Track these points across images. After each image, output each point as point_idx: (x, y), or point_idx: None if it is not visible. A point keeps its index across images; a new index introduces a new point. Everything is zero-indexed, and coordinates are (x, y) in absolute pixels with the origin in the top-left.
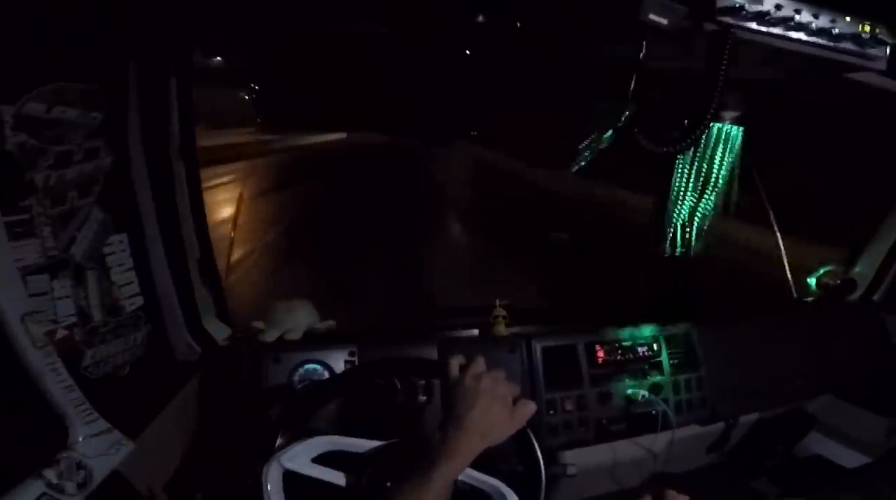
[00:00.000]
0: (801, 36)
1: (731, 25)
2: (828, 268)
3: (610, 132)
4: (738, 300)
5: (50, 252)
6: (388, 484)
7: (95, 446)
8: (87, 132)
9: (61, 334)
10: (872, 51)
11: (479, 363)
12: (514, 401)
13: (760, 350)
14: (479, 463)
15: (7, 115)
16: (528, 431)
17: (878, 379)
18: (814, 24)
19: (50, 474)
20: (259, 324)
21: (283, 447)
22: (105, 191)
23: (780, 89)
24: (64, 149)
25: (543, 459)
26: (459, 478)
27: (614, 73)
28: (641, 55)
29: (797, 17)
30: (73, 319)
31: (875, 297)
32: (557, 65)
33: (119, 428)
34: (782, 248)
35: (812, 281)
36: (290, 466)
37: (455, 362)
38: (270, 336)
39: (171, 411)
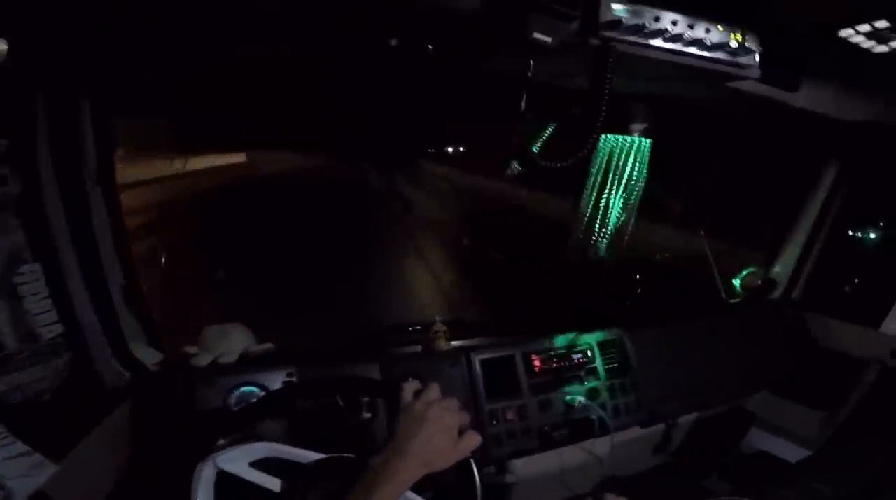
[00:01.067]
0: (678, 47)
1: (613, 39)
2: (750, 270)
3: (536, 143)
4: (668, 303)
5: None
6: None
7: (13, 468)
8: None
9: None
10: (743, 59)
11: (433, 391)
12: (461, 431)
13: (693, 351)
14: (422, 487)
15: None
16: (471, 461)
17: (806, 374)
18: (689, 35)
19: None
20: (191, 349)
21: (220, 449)
22: (14, 219)
23: (681, 100)
24: None
25: (488, 478)
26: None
27: (538, 88)
28: (529, 72)
29: (673, 28)
30: None
31: (794, 295)
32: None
33: (42, 452)
34: (708, 251)
35: (737, 282)
36: (226, 467)
37: (409, 388)
38: (203, 360)
39: (99, 435)
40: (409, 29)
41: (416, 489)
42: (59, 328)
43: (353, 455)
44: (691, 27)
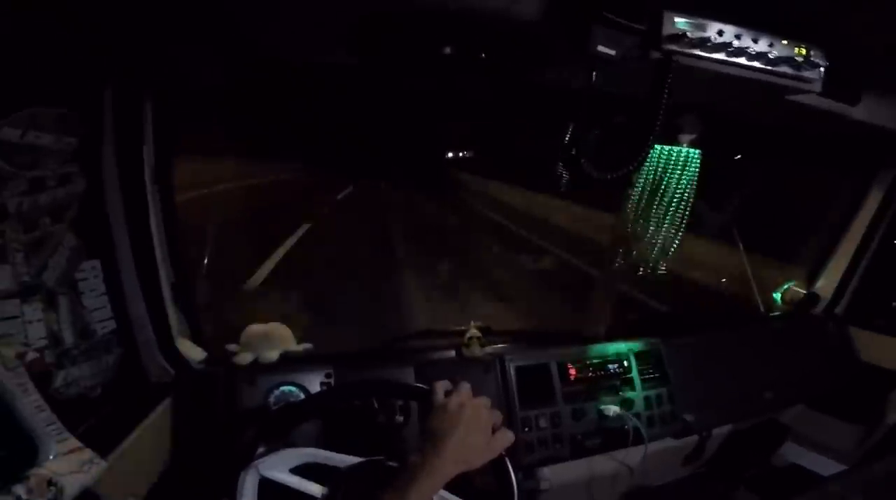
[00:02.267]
0: (742, 60)
1: (674, 52)
2: (791, 283)
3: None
4: (706, 316)
5: (21, 278)
6: None
7: (66, 464)
8: (61, 158)
9: (32, 356)
10: (808, 73)
11: (465, 390)
12: (494, 429)
13: (730, 363)
14: (454, 484)
15: None
16: (506, 459)
17: (845, 389)
18: (752, 49)
19: (20, 489)
20: (234, 347)
21: (261, 456)
22: (78, 217)
23: (734, 112)
24: (37, 174)
25: (518, 484)
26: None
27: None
28: (592, 83)
29: (737, 42)
30: (45, 342)
31: (837, 310)
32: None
33: (91, 447)
34: (747, 265)
35: (777, 296)
36: (268, 474)
37: (441, 387)
38: (245, 359)
39: (144, 432)
40: (464, 37)
41: (452, 489)
42: (112, 324)
43: (387, 458)
44: (755, 41)
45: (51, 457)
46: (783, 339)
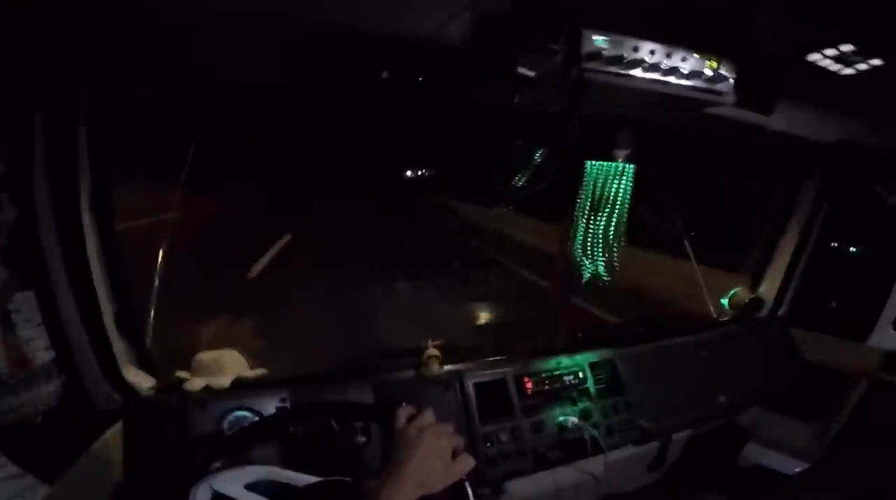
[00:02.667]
0: (657, 76)
1: (591, 70)
2: (737, 289)
3: (530, 171)
4: (659, 325)
5: None
6: None
7: (6, 489)
8: None
9: None
10: (720, 86)
11: (427, 416)
12: (455, 454)
13: (684, 370)
14: None
15: None
16: (466, 484)
17: (797, 388)
18: (666, 64)
19: None
20: (184, 374)
21: (216, 471)
22: (8, 247)
23: (663, 126)
24: None
25: (490, 488)
26: None
27: (525, 114)
28: (514, 102)
29: (651, 57)
30: None
31: (780, 312)
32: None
33: (34, 474)
34: (698, 273)
35: (725, 301)
36: (222, 489)
37: (403, 413)
38: (196, 385)
39: (91, 457)
40: (399, 61)
41: None
42: (50, 354)
43: (347, 479)
44: (668, 56)
45: None
46: (733, 343)
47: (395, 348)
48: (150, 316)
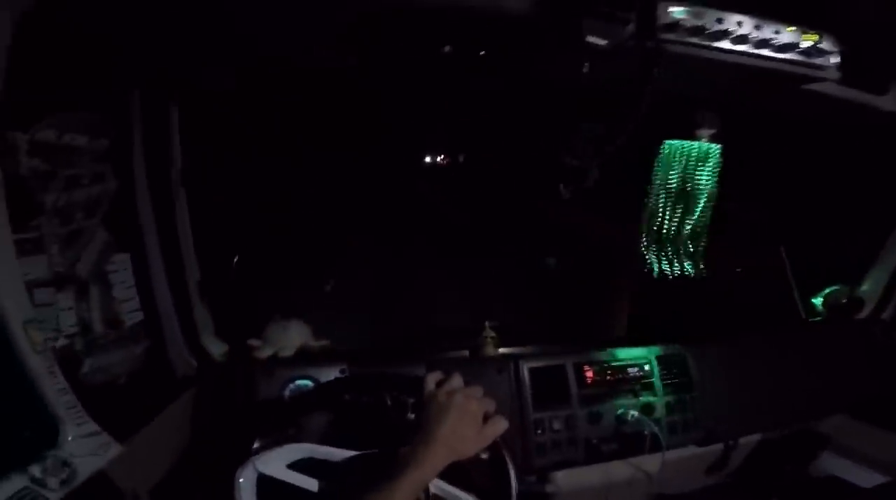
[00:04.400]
0: (746, 48)
1: (669, 41)
2: (834, 288)
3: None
4: (738, 320)
5: (56, 267)
6: (356, 492)
7: (83, 446)
8: (94, 157)
9: (62, 342)
10: (819, 60)
11: (456, 380)
12: (487, 417)
13: (763, 370)
14: (456, 478)
15: (21, 141)
16: (503, 450)
17: (892, 397)
18: (756, 36)
19: (35, 469)
20: (255, 341)
21: (259, 451)
22: (110, 213)
23: (754, 105)
24: (73, 173)
25: (529, 486)
26: (433, 492)
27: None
28: (584, 73)
29: (738, 29)
30: (75, 329)
31: (884, 315)
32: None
33: (110, 432)
34: (787, 266)
35: (818, 301)
36: (265, 470)
37: (432, 378)
38: (265, 353)
39: (163, 421)
40: (461, 35)
41: (452, 482)
42: (139, 316)
43: (382, 449)
44: (758, 28)
45: (69, 439)
46: (824, 345)
47: (452, 327)
48: (228, 284)
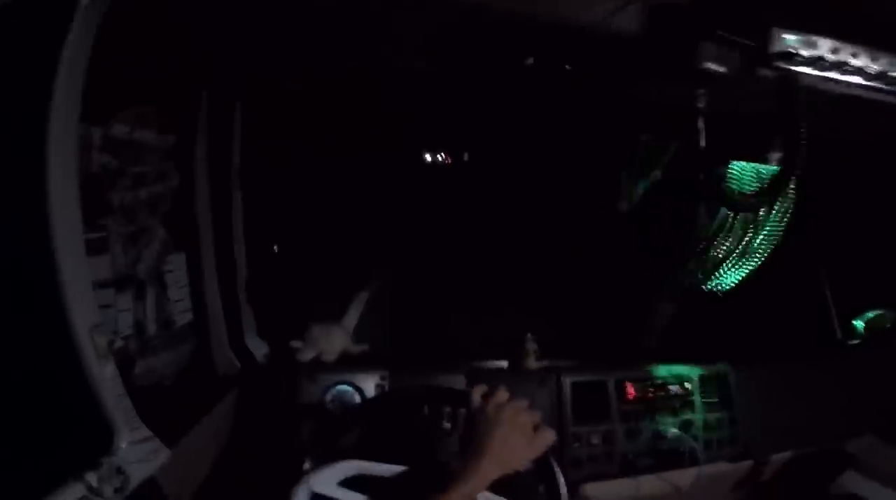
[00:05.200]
0: (859, 80)
1: (783, 70)
2: (877, 312)
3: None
4: (780, 341)
5: (118, 268)
6: None
7: (136, 452)
8: (160, 154)
9: (119, 344)
10: None
11: (502, 393)
12: (535, 428)
13: (800, 391)
14: (503, 490)
15: (96, 135)
16: (551, 460)
17: None
18: (871, 68)
19: (92, 477)
20: (297, 344)
21: (311, 469)
22: (170, 212)
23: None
24: (140, 170)
25: (567, 488)
26: None
27: (661, 110)
28: (699, 102)
29: (853, 60)
30: (131, 330)
31: None
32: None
33: (159, 436)
34: (827, 289)
35: (859, 324)
36: (319, 489)
37: (478, 391)
38: (307, 356)
39: (207, 423)
40: (546, 48)
41: (498, 491)
42: (189, 316)
43: (434, 464)
44: (874, 60)
45: (123, 445)
46: (862, 368)
47: (494, 337)
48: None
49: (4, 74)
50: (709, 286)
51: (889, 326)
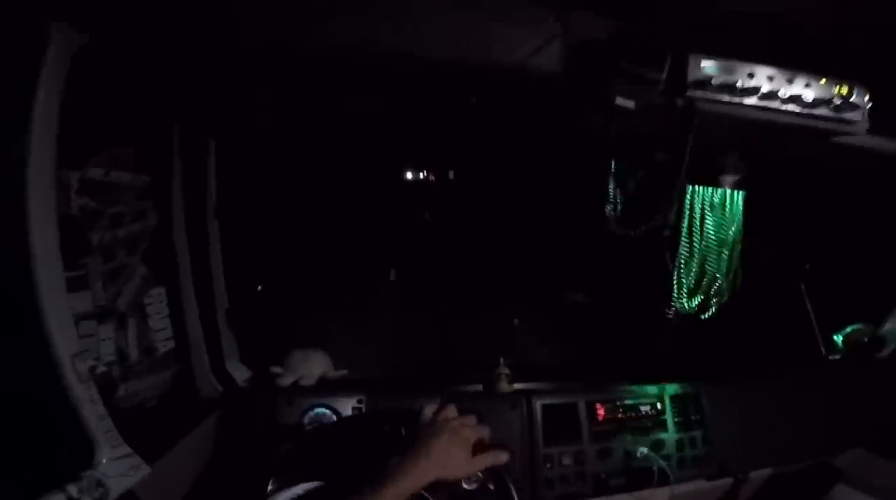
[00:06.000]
0: (775, 104)
1: (699, 99)
2: (855, 326)
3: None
4: (761, 357)
5: (99, 302)
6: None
7: (116, 467)
8: (136, 194)
9: (101, 370)
10: (850, 115)
11: (451, 409)
12: (482, 445)
13: (780, 407)
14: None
15: (73, 179)
16: (507, 481)
17: None
18: (786, 92)
19: (72, 489)
20: (277, 369)
21: (274, 490)
22: (149, 248)
23: (779, 153)
24: (117, 210)
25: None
26: None
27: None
28: (610, 131)
29: (769, 84)
30: (113, 357)
31: None
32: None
33: (140, 454)
34: (809, 306)
35: (838, 339)
36: None
37: (430, 408)
38: (286, 381)
39: (188, 443)
40: (490, 88)
41: None
42: (171, 344)
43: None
44: (790, 82)
45: (104, 461)
46: (844, 383)
47: (468, 361)
48: (253, 312)
49: None
50: (685, 308)
51: (867, 340)
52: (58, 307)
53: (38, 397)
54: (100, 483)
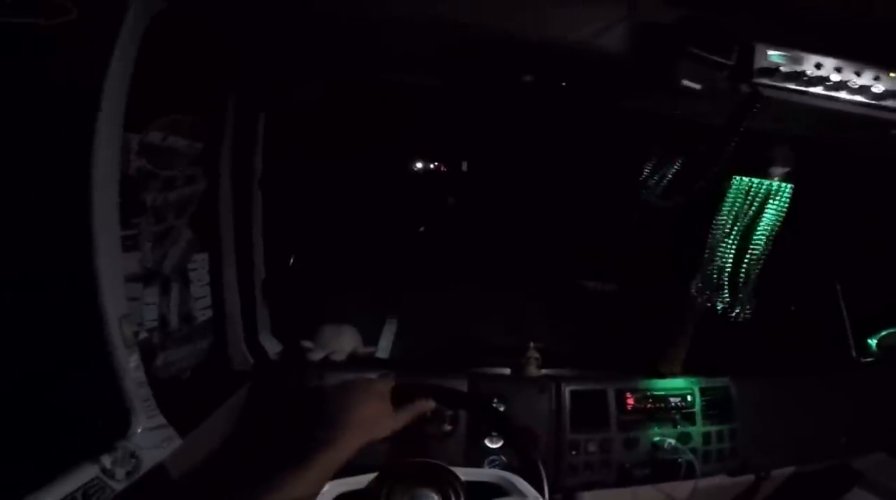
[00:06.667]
0: (843, 95)
1: (766, 86)
2: (891, 330)
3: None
4: (791, 356)
5: (146, 264)
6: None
7: (150, 439)
8: (189, 160)
9: (143, 335)
10: None
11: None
12: (403, 395)
13: (808, 407)
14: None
15: (134, 142)
16: (538, 462)
17: None
18: (854, 82)
19: (106, 460)
20: (308, 343)
21: None
22: (196, 213)
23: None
24: (170, 174)
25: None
26: (465, 479)
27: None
28: (675, 113)
29: (836, 75)
30: (155, 323)
31: None
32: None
33: (173, 425)
34: (843, 305)
35: (872, 342)
36: None
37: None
38: (317, 355)
39: (220, 415)
40: (547, 66)
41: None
42: (209, 313)
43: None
44: (858, 74)
45: (138, 431)
46: (874, 386)
47: (498, 344)
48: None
49: (59, 85)
50: (718, 301)
51: None
52: (112, 266)
53: (81, 360)
54: (133, 455)
